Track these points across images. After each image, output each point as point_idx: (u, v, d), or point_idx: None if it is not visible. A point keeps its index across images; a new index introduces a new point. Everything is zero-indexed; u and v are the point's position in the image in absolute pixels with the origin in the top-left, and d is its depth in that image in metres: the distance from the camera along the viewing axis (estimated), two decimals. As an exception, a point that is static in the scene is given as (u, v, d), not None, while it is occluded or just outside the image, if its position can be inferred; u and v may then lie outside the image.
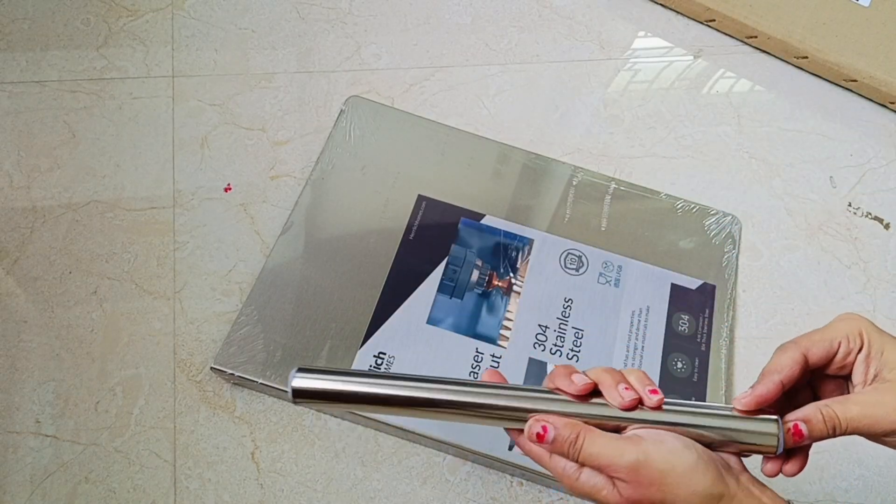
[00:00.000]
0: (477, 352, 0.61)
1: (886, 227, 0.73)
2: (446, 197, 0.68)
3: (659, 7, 0.84)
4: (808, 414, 0.37)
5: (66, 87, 0.73)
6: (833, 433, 0.37)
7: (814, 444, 0.38)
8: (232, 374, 0.58)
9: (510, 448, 0.57)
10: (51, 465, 0.57)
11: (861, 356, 0.38)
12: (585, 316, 0.63)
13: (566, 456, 0.38)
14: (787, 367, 0.38)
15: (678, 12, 0.84)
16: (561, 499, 0.58)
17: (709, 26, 0.83)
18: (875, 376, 0.37)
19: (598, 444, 0.37)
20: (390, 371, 0.42)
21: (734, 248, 0.68)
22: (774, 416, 0.38)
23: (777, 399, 0.38)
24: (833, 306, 0.68)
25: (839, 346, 0.38)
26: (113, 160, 0.70)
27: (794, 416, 0.38)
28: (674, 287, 0.66)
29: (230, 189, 0.70)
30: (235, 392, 0.61)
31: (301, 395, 0.41)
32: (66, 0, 0.78)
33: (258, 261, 0.66)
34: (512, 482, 0.59)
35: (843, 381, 0.40)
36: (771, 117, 0.78)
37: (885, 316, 0.68)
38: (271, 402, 0.60)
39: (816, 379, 0.41)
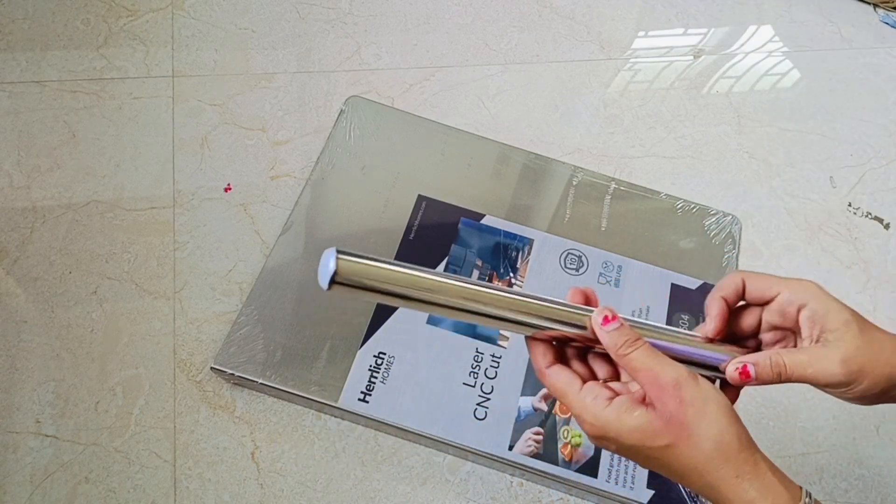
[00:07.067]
0: (477, 352, 0.61)
1: (886, 227, 0.73)
2: (446, 197, 0.68)
3: (660, 7, 0.84)
4: (758, 358, 0.41)
5: (66, 87, 0.73)
6: (779, 378, 0.40)
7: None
8: (232, 374, 0.58)
9: (510, 448, 0.57)
10: (51, 465, 0.57)
11: (805, 315, 0.41)
12: (585, 316, 0.63)
13: (617, 349, 0.39)
14: (726, 287, 0.42)
15: (679, 12, 0.84)
16: (561, 499, 0.58)
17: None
18: (819, 336, 0.40)
19: (651, 354, 0.38)
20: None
21: (734, 248, 0.68)
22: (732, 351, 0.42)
23: (725, 321, 0.42)
24: (833, 306, 0.68)
25: (777, 295, 0.42)
26: (113, 160, 0.70)
27: (744, 359, 0.41)
28: (674, 287, 0.66)
29: (230, 189, 0.70)
30: (235, 392, 0.61)
31: (341, 278, 0.35)
32: (66, 0, 0.78)
33: (258, 261, 0.66)
34: (512, 482, 0.59)
35: (791, 338, 0.44)
36: (771, 117, 0.78)
37: (885, 316, 0.68)
38: (271, 402, 0.60)
39: (766, 332, 0.44)
